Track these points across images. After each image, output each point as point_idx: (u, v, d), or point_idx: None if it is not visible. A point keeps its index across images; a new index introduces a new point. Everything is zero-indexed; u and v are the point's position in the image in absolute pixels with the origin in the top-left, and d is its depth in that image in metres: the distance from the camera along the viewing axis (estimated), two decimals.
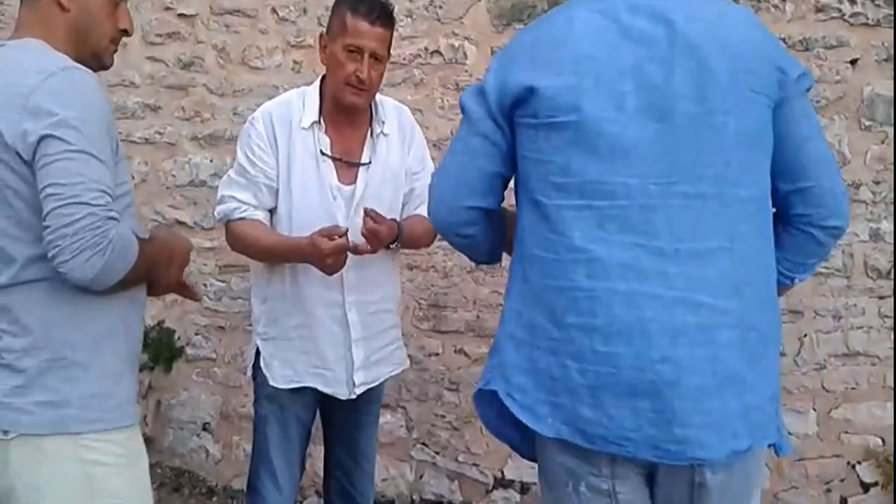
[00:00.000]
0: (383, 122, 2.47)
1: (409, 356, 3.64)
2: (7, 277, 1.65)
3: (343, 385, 2.44)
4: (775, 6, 3.19)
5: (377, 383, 2.52)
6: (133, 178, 3.94)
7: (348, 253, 2.31)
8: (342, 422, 2.60)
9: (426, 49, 3.66)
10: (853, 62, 3.21)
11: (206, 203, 3.93)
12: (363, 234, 2.31)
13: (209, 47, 3.91)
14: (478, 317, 3.62)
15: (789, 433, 3.15)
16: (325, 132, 2.40)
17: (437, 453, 3.71)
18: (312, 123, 2.39)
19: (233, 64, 3.90)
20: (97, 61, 1.81)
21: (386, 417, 3.76)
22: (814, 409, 3.28)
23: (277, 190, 2.39)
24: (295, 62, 3.79)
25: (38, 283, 1.65)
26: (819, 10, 3.16)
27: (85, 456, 1.66)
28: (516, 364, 1.62)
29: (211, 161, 3.93)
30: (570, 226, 1.56)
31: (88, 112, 1.61)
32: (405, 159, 2.50)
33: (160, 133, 3.98)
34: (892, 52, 3.17)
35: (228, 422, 3.97)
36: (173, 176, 3.96)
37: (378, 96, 2.47)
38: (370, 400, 2.58)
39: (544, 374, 1.58)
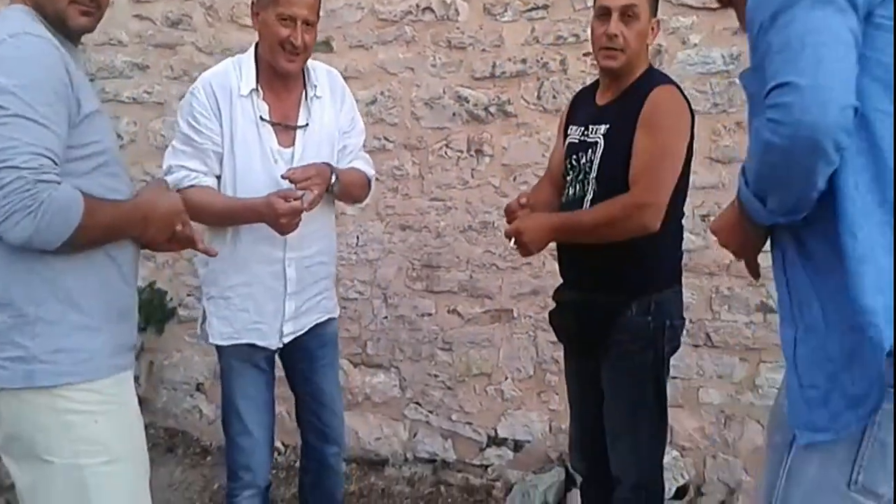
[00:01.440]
0: (315, 86, 2.56)
1: (401, 316, 3.71)
2: None
3: (275, 336, 2.54)
4: None
5: (303, 331, 2.60)
6: (122, 138, 3.90)
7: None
8: (302, 370, 2.69)
9: (417, 6, 3.61)
10: None
11: None
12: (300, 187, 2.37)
13: (197, 5, 3.85)
14: (471, 277, 3.62)
15: None
16: (263, 98, 2.48)
17: (431, 412, 3.73)
18: (251, 91, 2.47)
19: (221, 22, 3.85)
20: (62, 25, 1.80)
21: (379, 377, 3.78)
22: None
23: (222, 156, 2.46)
24: None
25: None
26: None
27: (59, 405, 1.72)
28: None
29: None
30: None
31: (31, 77, 1.63)
32: (338, 119, 2.60)
33: (148, 92, 3.94)
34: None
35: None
36: (162, 136, 3.92)
37: (309, 62, 2.56)
38: (326, 344, 2.69)
39: None
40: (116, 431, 1.80)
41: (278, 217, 2.33)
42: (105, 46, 3.87)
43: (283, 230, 2.37)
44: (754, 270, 1.73)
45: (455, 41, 3.58)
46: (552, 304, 2.61)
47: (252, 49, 2.53)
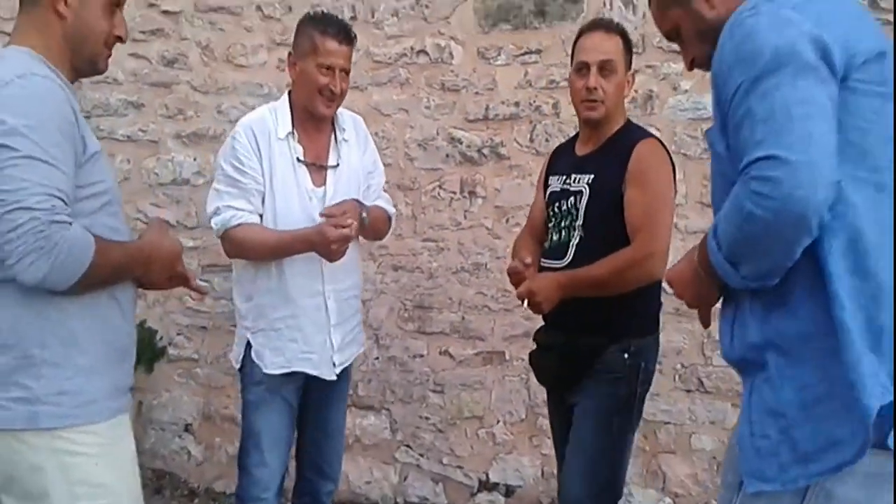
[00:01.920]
0: (343, 130, 2.75)
1: (392, 357, 3.69)
2: None
3: (326, 366, 2.67)
4: None
5: (349, 362, 2.78)
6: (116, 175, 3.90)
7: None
8: (317, 401, 2.78)
9: (412, 48, 3.65)
10: None
11: (188, 202, 3.90)
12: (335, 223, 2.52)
13: (193, 44, 3.87)
14: (463, 318, 3.61)
15: None
16: (299, 141, 2.65)
17: (422, 455, 3.69)
18: (287, 134, 2.64)
19: (217, 61, 3.87)
20: (92, 67, 1.86)
21: (370, 419, 3.75)
22: None
23: (264, 195, 2.61)
24: (280, 60, 3.75)
25: (4, 285, 1.68)
26: None
27: (60, 446, 1.72)
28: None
29: (194, 159, 3.90)
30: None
31: (41, 118, 1.64)
32: (363, 161, 2.78)
33: (143, 131, 3.94)
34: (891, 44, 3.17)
35: (210, 423, 3.94)
36: (156, 174, 3.93)
37: (340, 112, 2.76)
38: (342, 379, 2.80)
39: None
40: (115, 474, 1.80)
41: (329, 244, 2.48)
42: (101, 84, 3.88)
43: (333, 257, 2.53)
44: (706, 321, 1.74)
45: (449, 83, 3.60)
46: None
47: (286, 96, 2.71)
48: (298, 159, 2.62)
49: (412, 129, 3.66)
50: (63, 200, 1.63)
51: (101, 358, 1.79)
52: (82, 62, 1.83)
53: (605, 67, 2.43)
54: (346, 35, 2.63)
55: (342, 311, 2.69)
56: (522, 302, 2.46)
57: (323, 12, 2.79)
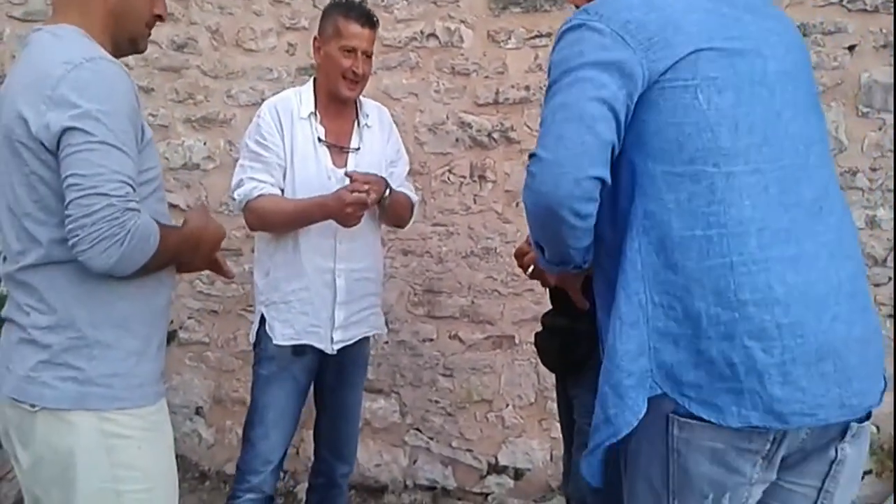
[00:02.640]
0: (367, 116, 2.83)
1: (402, 341, 3.69)
2: (34, 258, 1.71)
3: (327, 341, 2.72)
4: None
5: (352, 341, 2.79)
6: None
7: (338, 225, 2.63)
8: (332, 383, 2.85)
9: (422, 32, 3.63)
10: (851, 48, 3.19)
11: (199, 186, 3.91)
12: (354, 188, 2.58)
13: (203, 29, 3.87)
14: (472, 302, 3.61)
15: None
16: (321, 122, 2.74)
17: (431, 439, 3.71)
18: (310, 114, 2.73)
19: (226, 46, 3.86)
20: (133, 46, 1.86)
21: (380, 403, 3.76)
22: None
23: (285, 170, 2.70)
24: (289, 44, 3.76)
25: (62, 265, 1.69)
26: None
27: (106, 428, 1.71)
28: (681, 361, 1.51)
29: (204, 144, 3.90)
30: (741, 194, 1.50)
31: (112, 103, 1.64)
32: (385, 148, 2.85)
33: (153, 115, 3.95)
34: (890, 38, 3.15)
35: (221, 406, 3.97)
36: (166, 159, 3.93)
37: (361, 98, 2.84)
38: (357, 362, 2.88)
39: (719, 362, 1.48)
40: (155, 458, 1.80)
41: (344, 207, 2.53)
42: None
43: (348, 221, 2.58)
44: (580, 301, 1.96)
45: (459, 67, 3.59)
46: None
47: (311, 81, 2.82)
48: (319, 139, 2.71)
49: (422, 113, 3.65)
50: (133, 187, 1.64)
51: (149, 341, 1.81)
52: (123, 41, 1.82)
53: None
54: (368, 19, 2.72)
55: (351, 290, 2.74)
56: (526, 270, 2.41)
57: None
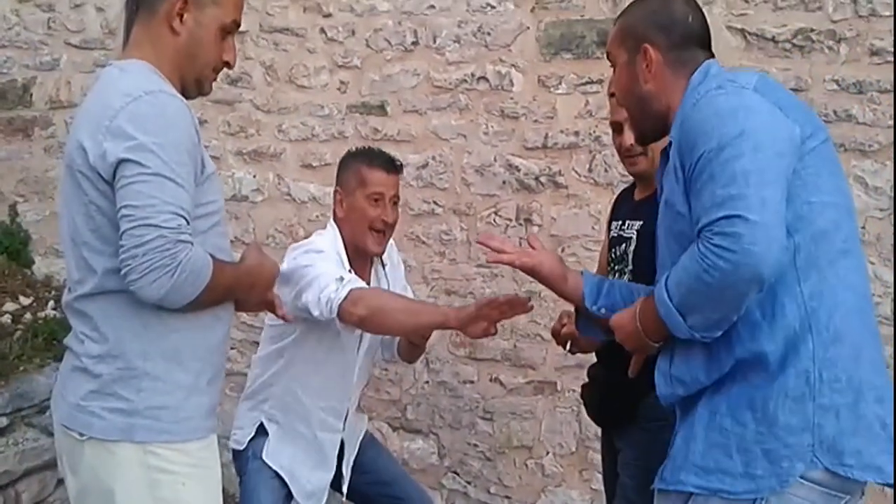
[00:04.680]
0: (386, 264, 2.77)
1: (442, 382, 3.68)
2: (89, 287, 1.74)
3: (319, 496, 2.68)
4: (829, 48, 3.14)
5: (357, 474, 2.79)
6: None
7: (355, 382, 2.70)
8: (370, 474, 2.83)
9: (472, 74, 3.65)
10: None
11: (247, 218, 3.96)
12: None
13: (257, 64, 3.94)
14: (515, 346, 3.60)
15: None
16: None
17: (469, 483, 3.68)
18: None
19: (279, 81, 3.92)
20: (198, 87, 1.87)
21: (418, 443, 3.75)
22: None
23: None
24: (341, 82, 3.80)
25: (116, 294, 1.71)
26: (874, 53, 3.10)
27: (152, 462, 1.72)
28: (843, 430, 1.59)
29: (254, 176, 3.96)
30: (863, 261, 1.72)
31: (169, 136, 1.66)
32: (396, 285, 2.78)
33: (205, 146, 3.99)
34: None
35: None
36: None
37: None
38: (365, 451, 2.84)
39: (874, 426, 1.61)
40: (200, 497, 1.79)
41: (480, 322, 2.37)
42: None
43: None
44: (634, 369, 1.96)
45: (508, 110, 3.61)
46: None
47: (337, 233, 2.63)
48: None
49: (469, 154, 3.66)
50: (187, 220, 1.65)
51: (200, 376, 1.80)
52: (189, 82, 1.84)
53: None
54: (392, 164, 2.65)
55: (352, 434, 2.77)
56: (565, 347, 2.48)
57: (366, 147, 2.83)
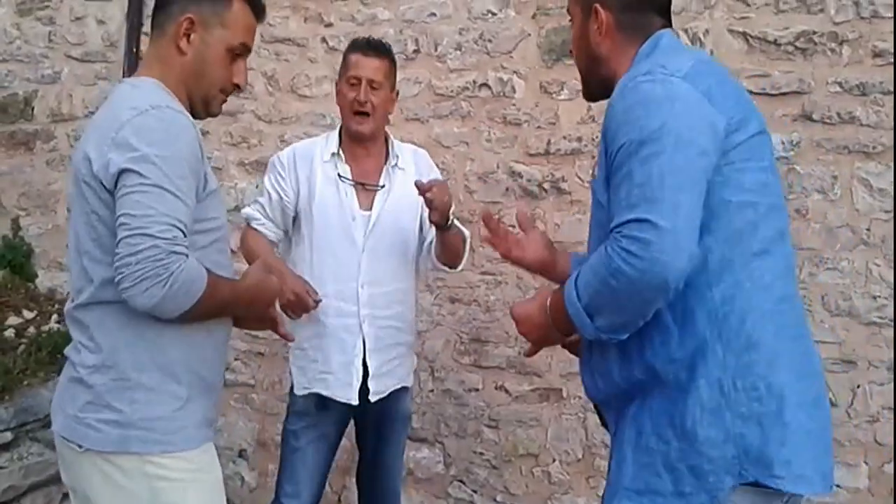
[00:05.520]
0: (398, 157, 2.74)
1: (448, 390, 3.67)
2: (86, 296, 1.76)
3: (351, 390, 2.62)
4: (832, 50, 3.14)
5: (386, 394, 2.69)
6: None
7: (362, 268, 2.62)
8: (372, 439, 2.81)
9: (474, 82, 3.66)
10: None
11: None
12: (428, 202, 2.48)
13: (259, 74, 3.94)
14: (520, 353, 3.58)
15: (839, 486, 3.06)
16: (345, 162, 2.69)
17: (475, 491, 3.66)
18: (332, 155, 2.69)
19: (281, 91, 3.93)
20: (206, 107, 1.89)
21: (423, 452, 3.73)
22: (865, 463, 3.17)
23: (297, 216, 2.69)
24: None
25: (111, 305, 1.73)
26: (877, 54, 3.10)
27: (150, 471, 1.72)
28: (769, 439, 1.53)
29: (256, 187, 3.93)
30: (786, 261, 1.66)
31: (171, 149, 1.68)
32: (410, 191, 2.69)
33: (207, 157, 3.99)
34: None
35: (265, 449, 3.96)
36: None
37: (396, 141, 2.80)
38: (394, 417, 2.78)
39: (799, 433, 1.54)
40: (203, 500, 1.80)
41: (286, 294, 2.45)
42: None
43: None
44: (531, 353, 1.92)
45: (510, 117, 3.60)
46: None
47: (340, 125, 2.78)
48: (340, 175, 2.66)
49: (472, 161, 3.66)
50: (183, 232, 1.66)
51: (193, 388, 1.81)
52: (197, 101, 1.86)
53: None
54: (371, 48, 2.68)
55: (380, 338, 2.65)
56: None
57: (363, 37, 2.85)
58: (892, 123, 3.08)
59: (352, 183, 2.67)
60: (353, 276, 2.61)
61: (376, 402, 2.66)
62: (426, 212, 2.65)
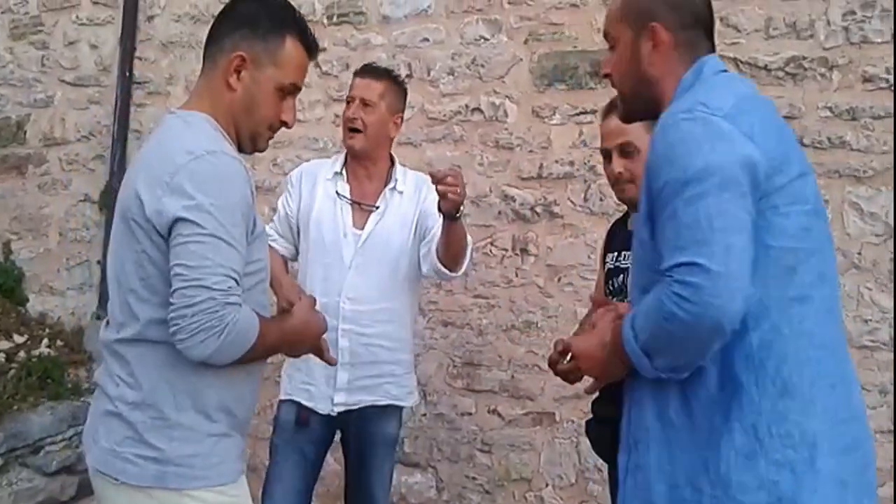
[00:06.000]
0: (396, 180, 2.79)
1: (440, 414, 3.65)
2: (131, 332, 1.76)
3: (325, 401, 2.68)
4: (822, 75, 3.16)
5: (356, 407, 2.70)
6: None
7: (347, 284, 2.66)
8: (355, 462, 2.78)
9: (467, 106, 3.68)
10: None
11: None
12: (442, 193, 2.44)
13: None
14: (513, 377, 3.57)
15: None
16: (347, 181, 2.78)
17: None
18: (335, 174, 2.79)
19: None
20: (252, 143, 1.89)
21: (416, 477, 3.71)
22: None
23: (299, 230, 2.79)
24: (336, 115, 3.80)
25: (155, 345, 1.74)
26: (867, 79, 3.12)
27: (186, 503, 1.74)
28: (802, 486, 1.50)
29: None
30: (828, 304, 1.61)
31: (226, 198, 1.68)
32: (417, 207, 2.76)
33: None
34: None
35: (256, 474, 3.90)
36: None
37: (401, 167, 2.85)
38: (376, 441, 2.75)
39: (830, 482, 1.51)
40: None
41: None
42: None
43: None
44: (593, 389, 1.90)
45: (503, 141, 3.62)
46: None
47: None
48: (338, 193, 2.74)
49: (465, 185, 3.65)
50: (237, 281, 1.67)
51: (229, 425, 1.82)
52: (244, 137, 1.86)
53: (625, 149, 2.38)
54: (368, 69, 2.83)
55: (357, 354, 2.66)
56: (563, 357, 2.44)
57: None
58: (884, 147, 3.10)
59: (349, 201, 2.74)
60: (338, 291, 2.66)
61: (358, 422, 2.69)
62: (430, 220, 2.68)
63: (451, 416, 3.66)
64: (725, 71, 1.72)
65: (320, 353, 2.08)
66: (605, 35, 1.80)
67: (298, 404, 2.71)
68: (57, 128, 4.45)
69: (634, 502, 1.64)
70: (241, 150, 1.86)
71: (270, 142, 3.87)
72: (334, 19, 3.95)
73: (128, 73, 4.27)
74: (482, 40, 3.67)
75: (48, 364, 3.82)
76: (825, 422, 1.52)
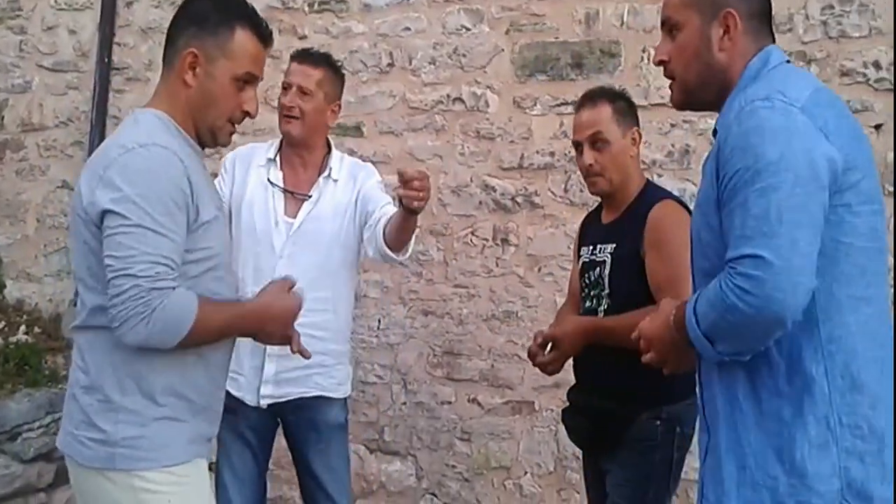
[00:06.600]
0: (331, 169, 2.74)
1: (420, 403, 3.66)
2: (80, 320, 1.85)
3: (253, 393, 2.63)
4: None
5: (283, 400, 2.65)
6: None
7: (276, 273, 2.45)
8: (297, 450, 2.75)
9: (448, 96, 3.68)
10: (877, 127, 3.20)
11: None
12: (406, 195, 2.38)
13: None
14: (492, 366, 3.59)
15: None
16: (280, 168, 2.73)
17: None
18: (268, 160, 2.73)
19: None
20: (213, 137, 1.91)
21: (395, 465, 3.72)
22: None
23: (230, 215, 2.67)
24: None
25: (99, 331, 1.79)
26: (844, 74, 3.16)
27: (137, 484, 1.78)
28: (870, 476, 1.53)
29: None
30: (886, 306, 1.62)
31: (154, 188, 1.73)
32: (353, 194, 2.72)
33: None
34: None
35: None
36: None
37: (338, 153, 2.80)
38: (315, 428, 2.71)
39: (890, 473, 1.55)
40: None
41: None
42: None
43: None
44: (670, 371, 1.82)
45: (484, 131, 3.63)
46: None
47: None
48: (269, 180, 2.69)
49: (446, 175, 3.68)
50: (169, 266, 1.71)
51: (178, 409, 1.84)
52: (203, 132, 1.88)
53: (595, 141, 2.42)
54: (306, 56, 2.75)
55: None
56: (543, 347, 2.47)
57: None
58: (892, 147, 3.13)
59: (281, 189, 2.70)
60: (268, 280, 2.53)
61: (295, 411, 2.65)
62: (370, 204, 2.66)
63: (430, 404, 3.68)
64: (789, 61, 1.71)
65: (290, 340, 2.05)
66: (665, 21, 1.77)
67: (239, 402, 2.61)
68: (35, 113, 4.41)
69: (709, 480, 1.66)
70: (201, 145, 1.89)
71: (251, 128, 3.88)
72: (315, 7, 3.94)
73: (106, 59, 4.23)
74: (464, 30, 3.67)
75: (25, 351, 3.79)
76: (890, 420, 1.55)
